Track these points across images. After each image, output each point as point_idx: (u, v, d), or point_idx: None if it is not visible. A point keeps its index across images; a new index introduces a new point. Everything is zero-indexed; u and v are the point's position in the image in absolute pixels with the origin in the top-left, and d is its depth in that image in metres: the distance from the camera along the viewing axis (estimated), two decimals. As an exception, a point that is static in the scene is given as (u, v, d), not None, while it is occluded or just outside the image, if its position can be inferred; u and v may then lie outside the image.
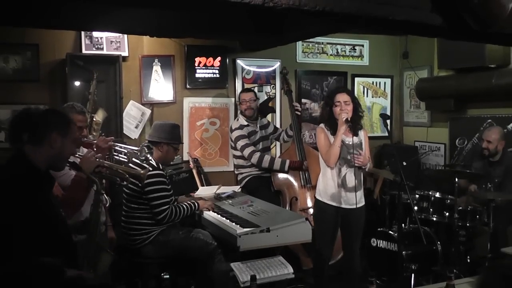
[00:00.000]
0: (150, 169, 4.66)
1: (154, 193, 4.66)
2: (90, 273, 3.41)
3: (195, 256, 4.77)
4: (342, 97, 4.85)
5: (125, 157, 4.49)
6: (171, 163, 5.44)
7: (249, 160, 6.14)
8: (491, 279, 2.21)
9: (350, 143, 4.86)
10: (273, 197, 5.97)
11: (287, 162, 6.09)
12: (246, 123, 6.28)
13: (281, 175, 6.15)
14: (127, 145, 4.79)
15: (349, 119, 4.76)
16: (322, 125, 5.07)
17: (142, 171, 4.34)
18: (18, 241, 2.74)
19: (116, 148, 4.55)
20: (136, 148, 4.59)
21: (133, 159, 4.57)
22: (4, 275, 2.67)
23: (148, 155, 4.56)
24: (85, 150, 4.46)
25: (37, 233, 2.82)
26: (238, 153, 6.25)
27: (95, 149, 4.31)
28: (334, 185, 4.89)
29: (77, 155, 3.98)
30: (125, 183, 4.24)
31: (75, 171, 3.89)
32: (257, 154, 6.09)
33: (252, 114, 6.35)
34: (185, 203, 4.93)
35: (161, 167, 4.84)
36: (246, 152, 6.12)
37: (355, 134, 4.93)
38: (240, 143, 6.15)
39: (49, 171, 3.13)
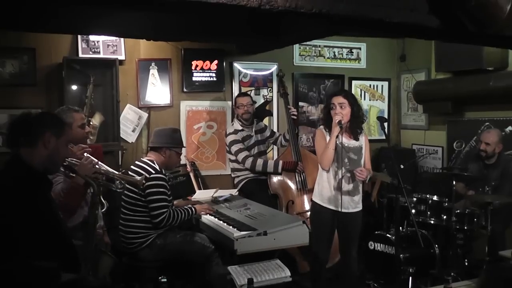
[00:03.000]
0: (153, 172, 4.67)
1: (153, 196, 4.66)
2: (89, 276, 3.41)
3: (193, 259, 4.77)
4: (337, 100, 4.84)
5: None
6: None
7: (243, 164, 6.15)
8: (491, 282, 2.21)
9: (350, 146, 4.87)
10: (270, 200, 5.96)
11: (280, 163, 6.10)
12: (240, 127, 6.29)
13: (277, 179, 6.15)
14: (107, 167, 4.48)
15: (342, 122, 4.75)
16: (321, 127, 5.08)
17: (138, 178, 4.33)
18: (18, 244, 2.74)
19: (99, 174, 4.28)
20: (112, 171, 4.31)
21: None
22: (1, 278, 2.66)
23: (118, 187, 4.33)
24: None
25: (37, 235, 2.82)
26: (233, 157, 6.25)
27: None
28: (329, 188, 4.88)
29: (74, 161, 3.97)
30: (120, 190, 4.21)
31: (72, 177, 3.88)
32: (250, 159, 6.10)
33: (249, 118, 6.35)
34: (183, 208, 4.92)
35: (163, 172, 4.84)
36: (240, 157, 6.14)
37: (355, 138, 4.92)
38: (234, 148, 6.17)
39: (46, 174, 3.13)
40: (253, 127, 6.42)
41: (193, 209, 5.00)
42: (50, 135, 3.04)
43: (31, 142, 3.00)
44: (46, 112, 3.34)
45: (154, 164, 4.78)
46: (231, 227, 4.59)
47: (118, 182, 4.08)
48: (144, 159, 4.90)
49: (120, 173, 4.34)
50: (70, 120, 4.28)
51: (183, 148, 5.15)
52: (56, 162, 3.18)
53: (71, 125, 4.29)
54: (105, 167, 4.24)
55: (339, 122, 4.74)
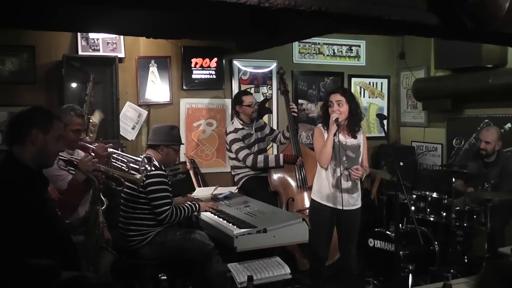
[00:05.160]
0: (153, 168, 4.66)
1: (156, 193, 4.67)
2: (90, 272, 3.41)
3: (192, 257, 4.77)
4: (335, 97, 4.86)
5: (124, 165, 4.46)
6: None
7: (244, 163, 6.13)
8: (490, 278, 2.21)
9: (348, 144, 4.88)
10: (270, 197, 5.95)
11: (281, 156, 6.10)
12: (241, 126, 6.26)
13: (277, 176, 6.15)
14: (126, 154, 4.75)
15: (339, 119, 4.76)
16: (320, 125, 5.09)
17: (138, 176, 4.34)
18: (13, 242, 2.74)
19: (115, 156, 4.53)
20: (136, 158, 4.54)
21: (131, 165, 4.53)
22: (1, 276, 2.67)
23: (147, 166, 4.50)
24: (81, 153, 4.46)
25: (33, 233, 2.82)
26: (233, 155, 6.24)
27: (92, 154, 4.30)
28: (328, 185, 4.89)
29: (74, 158, 3.99)
30: (120, 188, 4.23)
31: (72, 174, 3.90)
32: (251, 157, 6.09)
33: (255, 116, 6.36)
34: (187, 204, 4.94)
35: (163, 168, 4.84)
36: (241, 155, 6.12)
37: (353, 136, 4.93)
38: (234, 146, 6.15)
39: (41, 172, 3.14)
40: (253, 125, 6.41)
41: (197, 205, 5.02)
42: (37, 132, 3.04)
43: (21, 140, 3.02)
44: (34, 107, 3.32)
45: (153, 161, 4.78)
46: (230, 224, 4.59)
47: (117, 180, 4.11)
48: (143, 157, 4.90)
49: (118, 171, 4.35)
50: (66, 122, 4.32)
51: (182, 145, 5.15)
52: (46, 158, 3.17)
53: (65, 127, 4.33)
54: (128, 156, 4.35)
55: (336, 120, 4.75)
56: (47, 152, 3.13)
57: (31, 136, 3.03)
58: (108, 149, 4.45)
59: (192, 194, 5.76)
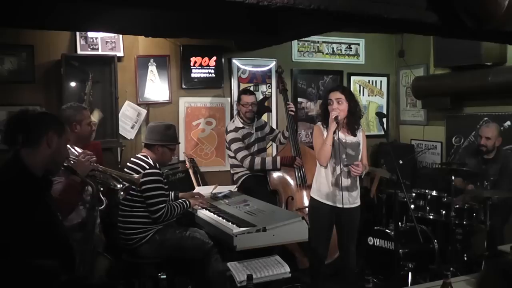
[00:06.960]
0: (147, 167, 4.69)
1: (151, 192, 4.66)
2: (87, 276, 3.41)
3: (192, 255, 4.77)
4: (334, 95, 4.86)
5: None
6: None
7: (242, 164, 6.14)
8: (491, 276, 2.21)
9: (348, 142, 4.88)
10: (269, 196, 5.96)
11: (278, 159, 6.10)
12: (241, 125, 6.26)
13: (277, 175, 6.14)
14: (112, 169, 4.40)
15: (339, 117, 4.76)
16: (319, 123, 5.09)
17: (136, 176, 4.33)
18: (14, 244, 2.73)
19: (97, 173, 4.16)
20: (120, 179, 4.27)
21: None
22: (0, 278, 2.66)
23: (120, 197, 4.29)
24: (78, 150, 4.44)
25: (33, 236, 2.81)
26: (232, 154, 6.24)
27: (88, 152, 4.25)
28: (328, 184, 4.89)
29: (71, 158, 3.97)
30: (118, 187, 4.21)
31: (70, 175, 3.89)
32: (248, 159, 6.09)
33: (252, 117, 6.34)
34: (178, 202, 4.93)
35: (158, 167, 4.84)
36: (239, 156, 6.12)
37: (353, 134, 4.93)
38: (233, 146, 6.15)
39: (46, 175, 3.12)
40: (254, 124, 6.40)
41: (187, 202, 5.02)
42: (52, 134, 3.03)
43: (33, 142, 2.97)
44: (46, 112, 3.33)
45: (148, 159, 4.79)
46: (230, 223, 4.59)
47: (115, 180, 4.09)
48: (139, 155, 4.90)
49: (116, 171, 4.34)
50: (80, 117, 4.35)
51: (181, 144, 5.14)
52: (58, 162, 3.17)
53: (81, 122, 4.38)
54: (113, 174, 4.27)
55: (336, 118, 4.75)
56: (60, 155, 3.13)
57: (47, 138, 3.01)
58: (91, 163, 3.97)
59: (192, 193, 5.76)
